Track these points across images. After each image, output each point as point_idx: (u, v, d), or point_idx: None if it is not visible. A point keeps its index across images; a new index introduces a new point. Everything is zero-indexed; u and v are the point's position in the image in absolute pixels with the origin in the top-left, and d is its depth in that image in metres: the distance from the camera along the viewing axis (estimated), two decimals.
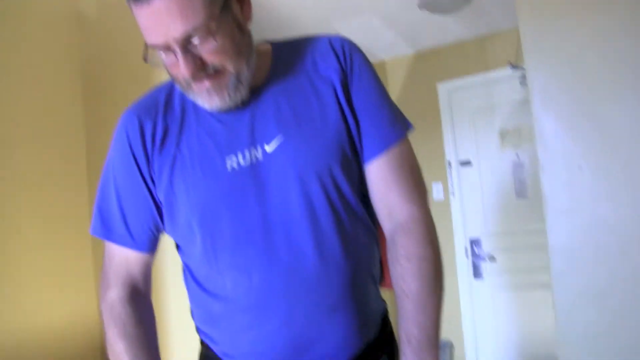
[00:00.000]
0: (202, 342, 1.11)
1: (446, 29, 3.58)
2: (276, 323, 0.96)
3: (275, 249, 0.94)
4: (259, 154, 0.95)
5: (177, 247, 1.06)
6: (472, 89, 3.87)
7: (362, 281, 1.01)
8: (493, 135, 3.79)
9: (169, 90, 1.04)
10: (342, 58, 0.99)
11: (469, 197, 3.90)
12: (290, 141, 0.95)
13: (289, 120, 0.96)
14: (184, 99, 1.01)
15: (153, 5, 0.82)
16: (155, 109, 1.01)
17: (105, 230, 1.02)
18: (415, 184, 0.99)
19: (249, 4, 0.95)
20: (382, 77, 3.00)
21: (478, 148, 3.85)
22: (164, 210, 1.00)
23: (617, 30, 1.43)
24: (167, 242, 1.09)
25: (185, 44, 0.85)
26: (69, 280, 2.42)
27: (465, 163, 3.89)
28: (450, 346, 4.00)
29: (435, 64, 3.99)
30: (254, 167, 0.95)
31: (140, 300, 1.03)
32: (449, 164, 3.93)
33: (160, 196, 0.99)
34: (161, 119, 1.00)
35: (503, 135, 3.75)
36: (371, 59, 1.11)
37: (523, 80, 3.31)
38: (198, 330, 1.10)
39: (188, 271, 1.05)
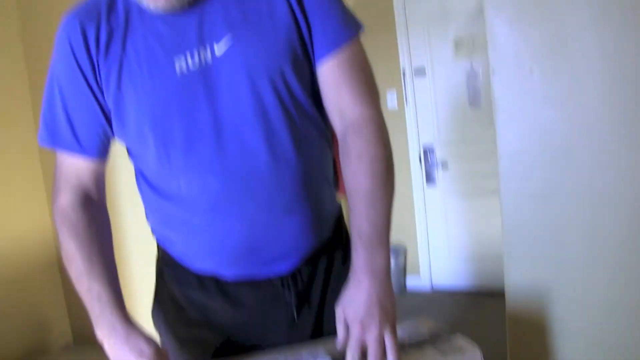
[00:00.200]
0: (159, 246, 1.13)
1: None
2: (231, 223, 0.98)
3: (227, 150, 0.94)
4: (209, 56, 0.93)
5: (129, 152, 1.04)
6: None
7: (316, 182, 1.03)
8: (448, 44, 3.76)
9: None
10: None
11: (422, 106, 3.92)
12: (240, 42, 0.93)
13: (238, 21, 0.94)
14: (127, 2, 0.96)
15: None
16: (98, 12, 0.96)
17: (53, 138, 1.00)
18: (367, 84, 0.98)
19: None
20: None
21: (432, 56, 3.83)
22: (113, 116, 0.97)
23: None
24: (119, 149, 1.07)
25: None
26: (19, 194, 2.38)
27: (420, 71, 3.88)
28: (404, 250, 4.16)
29: None
30: (204, 71, 0.93)
31: (92, 205, 1.01)
32: (403, 72, 3.92)
33: (109, 102, 0.96)
34: (105, 23, 0.96)
35: (457, 44, 3.73)
36: None
37: None
38: (154, 233, 1.11)
39: (141, 176, 1.04)
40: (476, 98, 3.72)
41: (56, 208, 1.00)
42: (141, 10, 0.95)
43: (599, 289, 1.48)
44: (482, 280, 3.94)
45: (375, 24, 3.60)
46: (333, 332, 1.02)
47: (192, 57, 0.93)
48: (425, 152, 3.98)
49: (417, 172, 4.03)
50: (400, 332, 1.02)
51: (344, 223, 1.17)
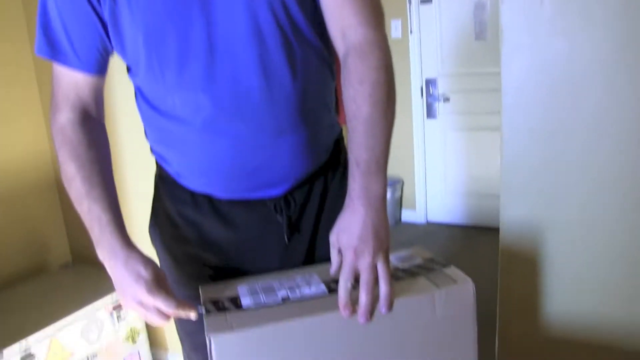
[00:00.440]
0: (157, 163, 1.13)
1: None
2: (224, 144, 0.97)
3: (219, 69, 0.92)
4: None
5: (128, 68, 1.02)
6: None
7: (312, 107, 1.01)
8: None
9: None
10: None
11: (427, 36, 3.83)
12: None
13: None
14: None
15: None
16: None
17: (51, 49, 0.96)
18: (372, 5, 0.94)
19: None
20: None
21: None
22: (110, 29, 0.94)
23: None
24: (117, 68, 1.04)
25: None
26: (16, 113, 2.35)
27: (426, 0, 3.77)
28: (400, 183, 4.18)
29: None
30: None
31: (91, 124, 1.00)
32: (409, 0, 3.80)
33: (105, 13, 0.93)
34: None
35: None
36: None
37: None
38: (152, 151, 1.11)
39: (139, 92, 1.03)
40: (482, 30, 3.63)
41: (55, 126, 0.98)
42: None
43: (594, 230, 1.48)
44: (477, 218, 3.98)
45: None
46: (325, 258, 1.03)
47: None
48: (427, 85, 3.92)
49: (418, 104, 3.98)
50: (394, 260, 1.03)
51: (344, 146, 1.16)
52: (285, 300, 0.90)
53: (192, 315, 0.90)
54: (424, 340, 0.91)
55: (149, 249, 1.03)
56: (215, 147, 0.97)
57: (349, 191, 0.91)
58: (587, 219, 1.49)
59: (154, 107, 1.00)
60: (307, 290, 0.93)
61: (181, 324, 1.16)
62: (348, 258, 0.88)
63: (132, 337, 2.30)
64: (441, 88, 3.88)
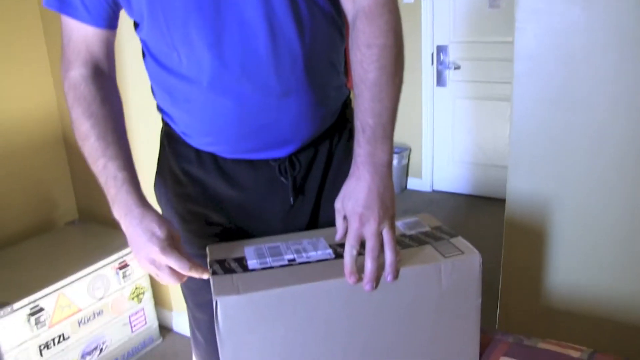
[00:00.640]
0: (163, 121, 1.13)
1: None
2: (229, 104, 0.96)
3: (225, 26, 0.90)
4: None
5: (135, 25, 1.00)
6: None
7: (319, 68, 1.00)
8: None
9: None
10: None
11: (440, 2, 3.76)
12: None
13: None
14: None
15: None
16: None
17: (59, 2, 0.94)
18: None
19: None
20: None
21: None
22: None
23: None
24: (126, 24, 1.03)
25: None
26: (23, 69, 2.33)
27: None
28: (407, 151, 4.17)
29: None
30: None
31: (104, 80, 0.99)
32: None
33: None
34: None
35: None
36: None
37: None
38: (159, 108, 1.10)
39: (146, 49, 1.02)
40: None
41: (68, 83, 0.97)
42: None
43: (600, 204, 1.48)
44: (482, 188, 3.98)
45: None
46: (329, 221, 1.03)
47: None
48: (438, 52, 3.86)
49: (428, 72, 3.94)
50: (400, 226, 1.03)
51: (351, 109, 1.15)
52: (291, 263, 0.91)
53: (205, 275, 0.90)
54: (428, 309, 0.91)
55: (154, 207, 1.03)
56: (220, 106, 0.97)
57: (355, 157, 0.91)
58: (594, 193, 1.48)
59: (160, 64, 0.99)
60: (313, 254, 0.93)
61: (186, 283, 1.17)
62: (353, 225, 0.88)
63: (138, 295, 2.33)
64: (452, 55, 3.83)
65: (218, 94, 0.96)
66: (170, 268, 0.89)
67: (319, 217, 1.13)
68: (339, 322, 0.88)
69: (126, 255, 2.24)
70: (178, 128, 1.07)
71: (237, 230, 1.09)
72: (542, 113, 1.49)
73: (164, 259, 0.88)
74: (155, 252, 0.88)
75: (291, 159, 1.07)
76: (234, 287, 0.84)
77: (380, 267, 0.86)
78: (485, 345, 1.02)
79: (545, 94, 1.47)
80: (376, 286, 0.86)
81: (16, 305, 1.88)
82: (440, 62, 3.88)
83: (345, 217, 0.92)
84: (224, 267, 0.91)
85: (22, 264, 2.15)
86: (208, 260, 0.94)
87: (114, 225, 0.96)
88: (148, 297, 2.38)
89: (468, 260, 0.91)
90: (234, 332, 0.84)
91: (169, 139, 1.11)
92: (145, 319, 2.38)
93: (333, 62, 1.04)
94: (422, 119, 4.07)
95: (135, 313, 2.34)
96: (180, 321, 2.48)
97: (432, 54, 3.87)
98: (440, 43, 3.83)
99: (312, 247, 0.96)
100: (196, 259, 0.92)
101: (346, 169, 0.93)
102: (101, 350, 2.21)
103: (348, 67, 1.03)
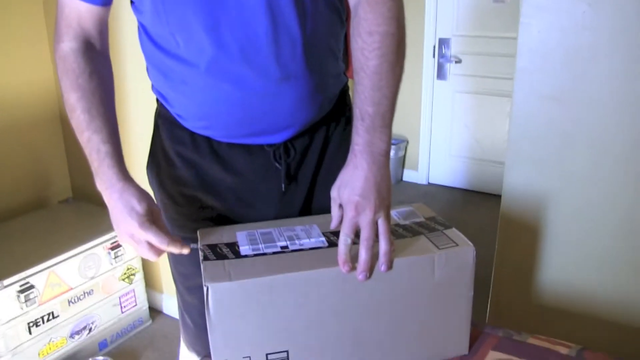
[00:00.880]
0: (158, 102, 1.12)
1: None
2: (227, 88, 0.95)
3: (225, 10, 0.89)
4: None
5: (131, 1, 0.99)
6: None
7: (319, 54, 0.98)
8: None
9: None
10: None
11: None
12: None
13: None
14: None
15: None
16: None
17: None
18: None
19: None
20: None
21: None
22: None
23: None
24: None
25: None
26: (21, 44, 2.31)
27: None
28: (405, 143, 4.16)
29: None
30: None
31: (94, 54, 0.98)
32: None
33: None
34: None
35: None
36: None
37: None
38: (154, 89, 1.09)
39: (142, 28, 1.00)
40: None
41: (58, 55, 0.97)
42: None
43: (596, 202, 1.48)
44: (478, 183, 3.98)
45: None
46: (323, 209, 1.02)
47: None
48: (440, 44, 3.84)
49: (429, 64, 3.92)
50: (394, 215, 1.02)
51: (349, 97, 1.14)
52: (284, 250, 0.90)
53: (185, 250, 0.90)
54: (420, 300, 0.91)
55: (147, 190, 1.02)
56: (217, 90, 0.96)
57: (352, 145, 0.90)
58: (590, 191, 1.48)
59: (157, 45, 0.98)
60: (306, 241, 0.93)
61: (176, 266, 1.17)
62: (349, 214, 0.87)
63: (129, 276, 2.33)
64: (454, 49, 3.81)
65: (216, 78, 0.94)
66: (149, 243, 0.89)
67: (312, 204, 1.13)
68: (331, 310, 0.87)
69: None
70: (173, 110, 1.06)
71: (230, 215, 1.09)
72: (542, 110, 1.48)
73: (142, 233, 0.88)
74: (134, 226, 0.88)
75: (286, 145, 1.07)
76: (225, 273, 0.84)
77: (374, 257, 0.86)
78: (474, 338, 1.02)
79: (546, 90, 1.46)
80: (369, 276, 0.86)
81: (6, 281, 1.87)
82: (441, 55, 3.86)
83: (340, 206, 0.91)
84: (215, 252, 0.90)
85: (13, 241, 2.14)
86: (199, 244, 0.93)
87: None
88: (139, 278, 2.38)
89: (462, 253, 0.91)
90: (224, 318, 0.83)
91: (163, 121, 1.10)
92: (135, 300, 2.38)
93: (332, 49, 1.03)
94: (420, 111, 4.06)
95: (126, 294, 2.34)
96: (171, 304, 2.48)
97: (434, 47, 3.86)
98: (443, 36, 3.81)
99: (306, 234, 0.95)
100: (187, 243, 0.92)
101: (342, 157, 0.92)
102: (90, 330, 2.21)
103: (349, 57, 1.02)
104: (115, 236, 2.20)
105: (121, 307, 2.32)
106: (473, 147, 3.95)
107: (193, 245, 0.92)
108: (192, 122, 1.04)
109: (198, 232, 0.97)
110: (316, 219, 1.02)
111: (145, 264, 2.42)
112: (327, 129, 1.11)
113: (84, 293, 2.15)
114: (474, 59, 3.75)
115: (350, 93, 1.10)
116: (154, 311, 2.53)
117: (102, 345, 2.27)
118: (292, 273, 0.84)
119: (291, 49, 0.93)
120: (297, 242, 0.92)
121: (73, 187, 2.63)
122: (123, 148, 0.96)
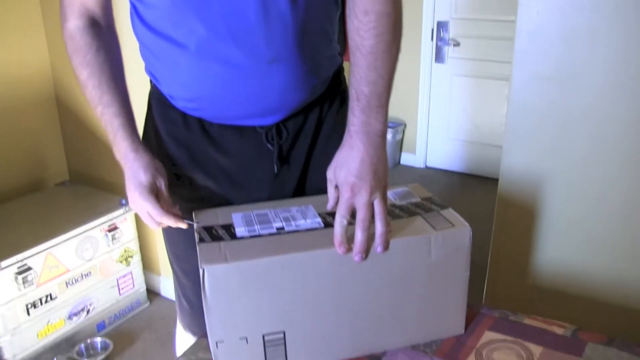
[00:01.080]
0: (151, 82, 1.11)
1: None
2: (217, 70, 0.94)
3: None
4: None
5: None
6: None
7: (311, 36, 0.97)
8: None
9: None
10: None
11: None
12: None
13: None
14: None
15: None
16: None
17: None
18: None
19: None
20: None
21: None
22: None
23: None
24: None
25: None
26: (16, 27, 2.29)
27: None
28: (402, 127, 4.15)
29: None
30: None
31: (99, 29, 1.00)
32: None
33: None
34: None
35: None
36: None
37: None
38: (146, 69, 1.09)
39: (134, 10, 0.99)
40: None
41: (65, 34, 0.99)
42: None
43: (593, 185, 1.47)
44: (476, 167, 3.98)
45: None
46: (316, 190, 1.02)
47: None
48: (438, 27, 3.82)
49: (427, 47, 3.90)
50: (391, 196, 1.02)
51: (344, 78, 1.13)
52: (280, 231, 0.90)
53: (182, 225, 0.96)
54: (416, 280, 0.91)
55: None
56: (207, 71, 0.95)
57: (348, 126, 0.89)
58: (587, 173, 1.48)
59: (148, 26, 0.97)
60: (302, 223, 0.92)
61: (171, 248, 1.17)
62: (345, 195, 0.87)
63: (126, 258, 2.33)
64: (452, 32, 3.79)
65: (206, 59, 0.93)
66: (149, 213, 0.95)
67: (306, 185, 1.12)
68: (327, 292, 0.87)
69: (116, 217, 2.23)
70: (165, 90, 1.05)
71: (223, 195, 1.08)
72: (541, 92, 1.47)
73: (142, 203, 0.94)
74: (136, 196, 0.94)
75: (279, 126, 1.06)
76: (221, 255, 0.84)
77: (370, 238, 0.86)
78: (470, 319, 1.02)
79: (544, 72, 1.45)
80: (366, 257, 0.86)
81: (4, 263, 1.88)
82: (440, 38, 3.83)
83: (336, 187, 0.91)
84: (211, 234, 0.90)
85: (11, 223, 2.14)
86: (195, 227, 0.93)
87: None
88: (136, 260, 2.39)
89: (458, 233, 0.91)
90: (221, 301, 0.83)
91: (156, 102, 1.10)
92: (133, 282, 2.39)
93: (326, 31, 1.02)
94: (418, 94, 4.05)
95: (124, 276, 2.34)
96: (168, 286, 2.49)
97: (432, 30, 3.83)
98: (441, 19, 3.79)
99: (301, 215, 0.95)
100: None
101: (336, 138, 0.92)
102: (88, 311, 2.22)
103: (345, 40, 1.01)
104: (113, 218, 2.21)
105: (119, 289, 2.33)
106: (471, 131, 3.94)
107: (192, 223, 0.94)
108: (183, 103, 1.04)
109: (193, 214, 0.97)
110: (312, 199, 1.02)
111: (142, 246, 2.43)
112: (320, 110, 1.10)
113: (82, 275, 2.16)
114: (472, 42, 3.73)
115: (346, 75, 1.09)
116: (152, 293, 2.54)
117: (100, 326, 2.29)
118: (288, 254, 0.84)
119: (282, 31, 0.92)
120: (293, 223, 0.92)
121: (70, 170, 2.62)
122: None
